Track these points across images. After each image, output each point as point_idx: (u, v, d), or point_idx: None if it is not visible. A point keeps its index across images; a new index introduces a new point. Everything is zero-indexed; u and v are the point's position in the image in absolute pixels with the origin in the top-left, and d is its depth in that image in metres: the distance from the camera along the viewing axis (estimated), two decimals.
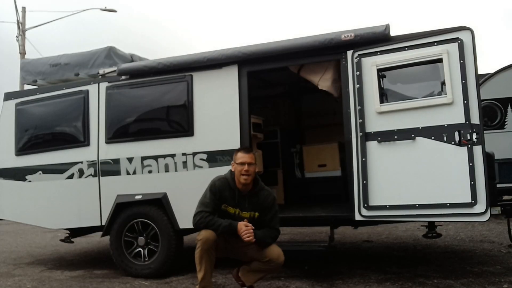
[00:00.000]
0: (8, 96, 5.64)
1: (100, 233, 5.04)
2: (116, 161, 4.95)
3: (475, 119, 3.75)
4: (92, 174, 5.03)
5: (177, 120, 4.86)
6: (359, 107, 4.12)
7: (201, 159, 4.62)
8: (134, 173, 4.87)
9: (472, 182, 3.70)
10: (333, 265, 4.83)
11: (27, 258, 6.30)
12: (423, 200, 3.85)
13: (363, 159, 4.06)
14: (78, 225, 5.17)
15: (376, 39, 4.14)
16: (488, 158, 3.82)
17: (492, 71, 7.86)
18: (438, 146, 3.83)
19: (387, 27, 4.14)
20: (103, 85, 5.12)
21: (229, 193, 3.64)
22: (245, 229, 3.46)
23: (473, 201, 3.69)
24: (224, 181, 3.65)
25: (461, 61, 3.82)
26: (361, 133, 4.08)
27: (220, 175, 3.73)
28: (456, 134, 3.78)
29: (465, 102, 3.78)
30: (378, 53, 4.11)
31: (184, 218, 4.61)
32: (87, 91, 5.18)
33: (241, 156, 3.64)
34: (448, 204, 3.77)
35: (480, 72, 4.09)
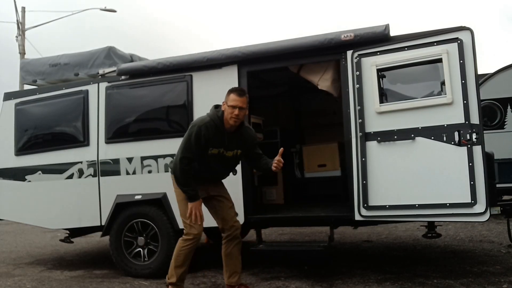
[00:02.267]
0: (8, 96, 5.64)
1: (100, 233, 5.04)
2: (116, 161, 4.95)
3: (475, 119, 3.75)
4: (92, 174, 5.03)
5: (177, 120, 4.86)
6: (359, 107, 4.12)
7: None
8: (134, 173, 4.87)
9: (472, 182, 3.70)
10: (333, 265, 4.83)
11: (27, 258, 6.30)
12: (423, 200, 3.85)
13: (363, 159, 4.06)
14: (77, 225, 5.17)
15: (376, 39, 4.14)
16: (488, 158, 3.82)
17: (490, 71, 7.87)
18: (437, 146, 3.83)
19: (387, 27, 4.14)
20: (103, 85, 5.12)
21: (217, 137, 3.60)
22: (190, 216, 3.57)
23: (472, 201, 3.69)
24: (211, 126, 3.55)
25: (461, 61, 3.82)
26: (360, 133, 4.08)
27: (203, 118, 3.60)
28: (456, 134, 3.78)
29: (465, 102, 3.78)
30: (378, 53, 4.11)
31: None
32: (87, 91, 5.18)
33: (233, 99, 3.55)
34: (447, 204, 3.77)
35: (479, 72, 4.08)
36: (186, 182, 3.58)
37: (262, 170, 4.03)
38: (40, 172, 5.27)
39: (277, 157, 3.68)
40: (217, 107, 3.69)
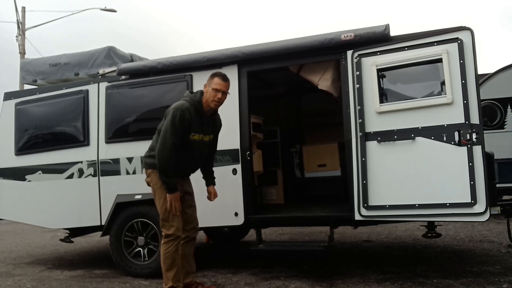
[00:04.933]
0: (8, 96, 5.64)
1: (100, 232, 5.04)
2: (116, 161, 4.95)
3: (475, 119, 3.75)
4: (92, 174, 5.03)
5: None
6: (359, 107, 4.12)
7: None
8: (134, 173, 4.87)
9: (472, 182, 3.70)
10: (333, 265, 4.83)
11: (27, 258, 6.30)
12: (423, 200, 3.85)
13: (363, 159, 4.06)
14: (77, 225, 5.17)
15: (376, 39, 4.14)
16: (488, 158, 3.82)
17: (490, 71, 7.86)
18: (437, 146, 3.83)
19: (387, 27, 4.14)
20: (103, 85, 5.12)
21: (198, 121, 3.66)
22: (170, 209, 3.58)
23: (472, 201, 3.69)
24: (193, 110, 3.62)
25: (461, 61, 3.82)
26: (361, 133, 4.08)
27: (182, 103, 3.63)
28: (456, 134, 3.78)
29: (465, 102, 3.78)
30: (378, 53, 4.11)
31: None
32: (87, 91, 5.18)
33: (217, 83, 3.66)
34: (447, 204, 3.77)
35: (479, 72, 4.08)
36: (171, 171, 3.57)
37: (203, 172, 4.02)
38: (40, 172, 5.28)
39: (213, 195, 3.97)
40: (191, 93, 3.80)
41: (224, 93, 3.69)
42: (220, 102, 3.70)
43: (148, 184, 3.86)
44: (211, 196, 3.98)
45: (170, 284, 3.68)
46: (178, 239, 3.68)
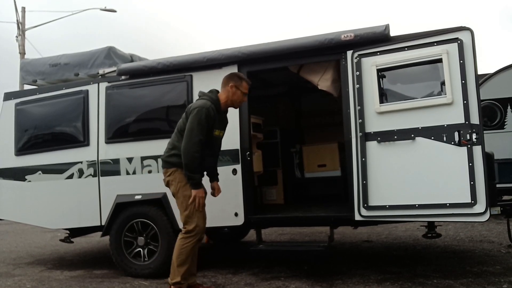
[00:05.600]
0: (8, 96, 5.64)
1: (100, 233, 5.04)
2: (116, 161, 4.95)
3: (475, 119, 3.75)
4: (92, 174, 5.03)
5: (177, 120, 4.79)
6: (359, 107, 4.12)
7: None
8: (134, 173, 4.87)
9: (472, 182, 3.70)
10: (333, 265, 4.83)
11: (27, 258, 6.30)
12: (423, 200, 3.85)
13: (363, 159, 4.06)
14: (77, 225, 5.17)
15: (376, 39, 4.14)
16: (488, 158, 3.82)
17: (490, 71, 7.86)
18: (437, 146, 3.83)
19: (387, 27, 4.14)
20: (103, 85, 5.12)
21: (218, 118, 3.87)
22: (193, 201, 3.69)
23: (472, 201, 3.69)
24: (214, 108, 3.80)
25: (461, 61, 3.82)
26: (360, 133, 4.08)
27: (205, 102, 3.79)
28: (456, 134, 3.77)
29: (465, 102, 3.78)
30: (378, 53, 4.11)
31: None
32: (87, 91, 5.18)
33: (246, 87, 3.99)
34: (447, 204, 3.77)
35: (479, 72, 4.08)
36: (197, 168, 3.71)
37: (207, 167, 4.06)
38: (40, 172, 5.28)
39: (217, 190, 4.08)
40: (204, 93, 3.97)
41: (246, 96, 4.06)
42: (242, 103, 4.10)
43: (167, 183, 3.92)
44: (215, 191, 4.07)
45: (178, 279, 3.71)
46: (198, 236, 3.75)
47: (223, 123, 4.05)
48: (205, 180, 4.01)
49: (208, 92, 3.97)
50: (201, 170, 3.84)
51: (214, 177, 4.10)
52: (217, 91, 3.99)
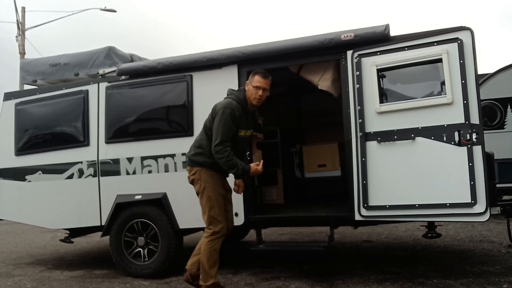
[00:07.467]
0: (8, 96, 5.63)
1: (100, 233, 5.04)
2: (116, 161, 4.95)
3: (475, 119, 3.75)
4: (92, 174, 5.03)
5: (177, 120, 4.86)
6: (359, 107, 4.12)
7: None
8: (134, 173, 4.87)
9: (472, 182, 3.70)
10: (333, 265, 4.83)
11: (27, 258, 6.30)
12: (423, 200, 3.85)
13: (363, 159, 4.06)
14: (78, 225, 5.17)
15: (376, 39, 4.14)
16: (488, 158, 3.82)
17: (490, 71, 7.86)
18: (437, 146, 3.83)
19: (387, 27, 4.14)
20: (103, 85, 5.12)
21: (244, 117, 3.77)
22: (256, 168, 3.69)
23: (472, 201, 3.69)
24: (240, 108, 3.70)
25: (461, 61, 3.82)
26: (361, 133, 4.08)
27: (230, 101, 3.71)
28: (456, 134, 3.77)
29: (465, 102, 3.78)
30: (378, 53, 4.11)
31: (184, 218, 4.62)
32: (87, 91, 5.18)
33: (258, 80, 3.74)
34: (447, 204, 3.77)
35: (479, 72, 4.09)
36: (234, 162, 3.62)
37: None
38: (40, 172, 5.27)
39: (241, 188, 4.03)
40: (234, 90, 3.88)
41: (265, 90, 3.76)
42: (261, 99, 3.77)
43: (192, 182, 3.88)
44: (239, 189, 4.02)
45: (212, 281, 3.70)
46: (223, 237, 3.75)
47: (251, 122, 3.91)
48: (229, 177, 4.02)
49: (237, 90, 3.89)
50: (235, 162, 3.65)
51: None
52: (245, 90, 3.85)
